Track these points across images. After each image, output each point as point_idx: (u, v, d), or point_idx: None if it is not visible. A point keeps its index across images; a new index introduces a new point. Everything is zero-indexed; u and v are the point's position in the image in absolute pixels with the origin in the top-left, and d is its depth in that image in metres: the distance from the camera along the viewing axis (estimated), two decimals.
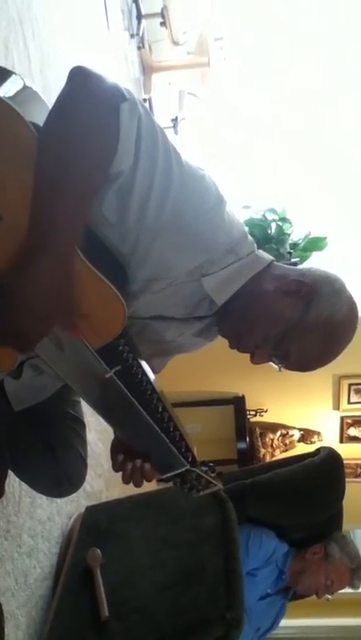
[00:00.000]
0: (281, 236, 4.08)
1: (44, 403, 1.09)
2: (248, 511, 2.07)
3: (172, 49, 4.87)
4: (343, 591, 2.11)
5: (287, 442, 3.94)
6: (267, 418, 3.98)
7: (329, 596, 2.06)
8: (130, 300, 0.86)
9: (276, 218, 4.19)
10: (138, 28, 4.49)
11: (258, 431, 3.89)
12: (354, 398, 3.91)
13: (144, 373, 0.87)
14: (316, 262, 4.04)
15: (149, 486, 0.94)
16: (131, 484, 0.90)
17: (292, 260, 3.80)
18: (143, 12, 4.52)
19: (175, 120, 4.58)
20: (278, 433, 3.93)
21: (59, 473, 1.20)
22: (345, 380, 3.85)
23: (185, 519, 1.77)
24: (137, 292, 0.89)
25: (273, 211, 4.23)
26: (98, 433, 2.28)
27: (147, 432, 0.85)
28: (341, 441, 3.99)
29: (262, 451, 3.86)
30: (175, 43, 4.80)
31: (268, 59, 5.16)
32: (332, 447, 2.27)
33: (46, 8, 2.10)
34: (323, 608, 3.11)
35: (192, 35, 4.91)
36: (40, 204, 0.72)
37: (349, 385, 3.88)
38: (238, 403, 3.84)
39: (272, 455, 3.88)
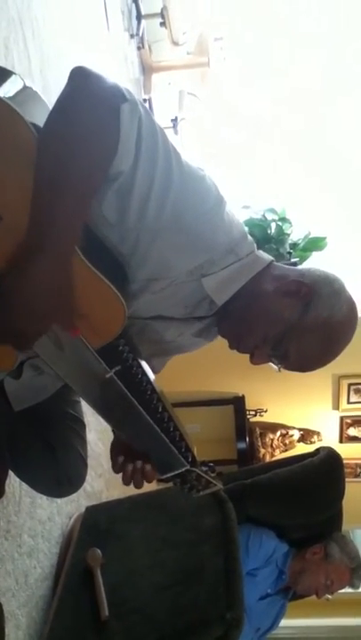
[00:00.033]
0: (281, 235, 4.08)
1: (44, 403, 1.09)
2: (248, 511, 2.07)
3: (172, 49, 4.87)
4: (343, 591, 2.11)
5: (287, 442, 3.94)
6: (266, 418, 3.98)
7: (329, 596, 2.06)
8: (130, 300, 0.86)
9: (276, 218, 4.19)
10: (138, 29, 4.49)
11: (258, 431, 3.89)
12: (353, 398, 3.91)
13: (144, 373, 0.87)
14: (315, 262, 4.05)
15: (149, 486, 0.94)
16: (131, 485, 0.90)
17: (292, 259, 3.80)
18: (143, 13, 4.52)
19: (175, 120, 4.58)
20: (278, 433, 3.93)
21: (59, 473, 1.20)
22: (345, 379, 3.85)
23: (185, 519, 1.77)
24: (137, 291, 0.89)
25: (273, 211, 4.23)
26: (98, 433, 2.28)
27: (147, 432, 0.85)
28: (341, 441, 3.99)
29: (262, 451, 3.86)
30: (175, 43, 4.80)
31: (268, 59, 5.17)
32: (332, 447, 2.27)
33: (46, 8, 2.10)
34: (323, 608, 3.11)
35: (192, 35, 4.90)
36: (40, 204, 0.72)
37: (349, 385, 3.87)
38: (238, 403, 3.84)
39: (272, 455, 3.88)
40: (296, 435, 3.94)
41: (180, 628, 1.41)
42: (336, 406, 3.95)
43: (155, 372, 1.05)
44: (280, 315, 0.93)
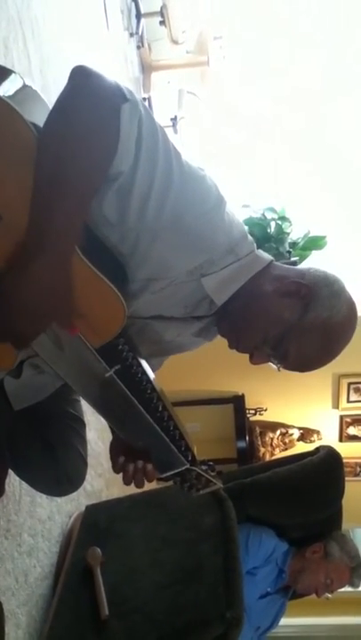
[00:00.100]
0: (280, 234, 4.07)
1: (43, 402, 1.09)
2: (248, 510, 2.07)
3: (172, 48, 4.86)
4: (343, 590, 2.11)
5: (287, 441, 3.94)
6: (266, 417, 3.98)
7: (329, 595, 2.06)
8: (129, 300, 0.86)
9: (276, 217, 4.18)
10: (137, 27, 4.48)
11: (257, 430, 3.89)
12: (353, 397, 3.91)
13: (144, 372, 0.87)
14: (315, 261, 4.04)
15: (149, 485, 0.94)
16: (131, 484, 0.90)
17: (292, 258, 3.80)
18: (142, 11, 4.52)
19: (175, 119, 4.57)
20: (278, 432, 3.93)
21: (59, 472, 1.20)
22: (344, 378, 3.84)
23: (185, 518, 1.77)
24: (137, 291, 0.89)
25: (272, 210, 4.22)
26: (98, 432, 2.29)
27: (147, 431, 0.85)
28: (341, 440, 3.99)
29: (262, 449, 3.86)
30: (175, 41, 4.79)
31: (268, 58, 5.16)
32: (332, 446, 2.27)
33: (46, 7, 2.10)
34: (323, 607, 3.11)
35: (191, 33, 4.89)
36: (40, 203, 0.72)
37: (349, 384, 3.87)
38: (238, 402, 3.84)
39: (272, 454, 3.88)
40: (296, 434, 3.94)
41: (180, 627, 1.41)
42: (336, 405, 3.95)
43: (153, 371, 1.06)
44: (280, 315, 0.93)
